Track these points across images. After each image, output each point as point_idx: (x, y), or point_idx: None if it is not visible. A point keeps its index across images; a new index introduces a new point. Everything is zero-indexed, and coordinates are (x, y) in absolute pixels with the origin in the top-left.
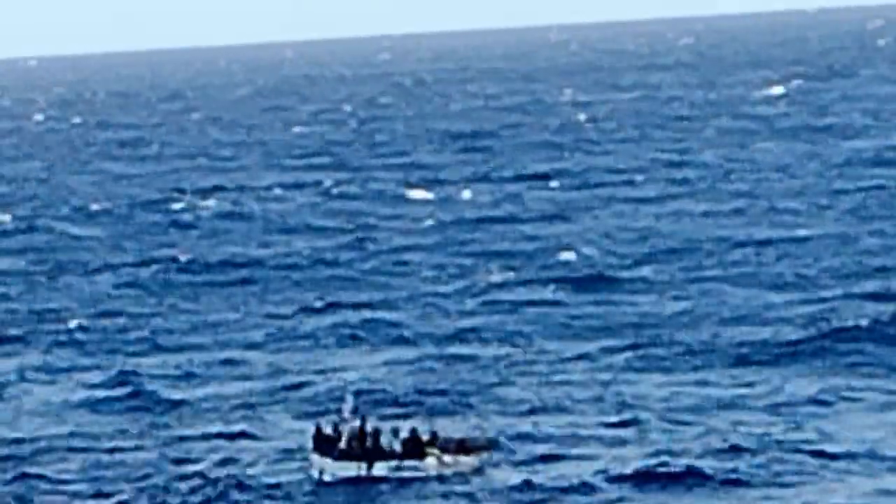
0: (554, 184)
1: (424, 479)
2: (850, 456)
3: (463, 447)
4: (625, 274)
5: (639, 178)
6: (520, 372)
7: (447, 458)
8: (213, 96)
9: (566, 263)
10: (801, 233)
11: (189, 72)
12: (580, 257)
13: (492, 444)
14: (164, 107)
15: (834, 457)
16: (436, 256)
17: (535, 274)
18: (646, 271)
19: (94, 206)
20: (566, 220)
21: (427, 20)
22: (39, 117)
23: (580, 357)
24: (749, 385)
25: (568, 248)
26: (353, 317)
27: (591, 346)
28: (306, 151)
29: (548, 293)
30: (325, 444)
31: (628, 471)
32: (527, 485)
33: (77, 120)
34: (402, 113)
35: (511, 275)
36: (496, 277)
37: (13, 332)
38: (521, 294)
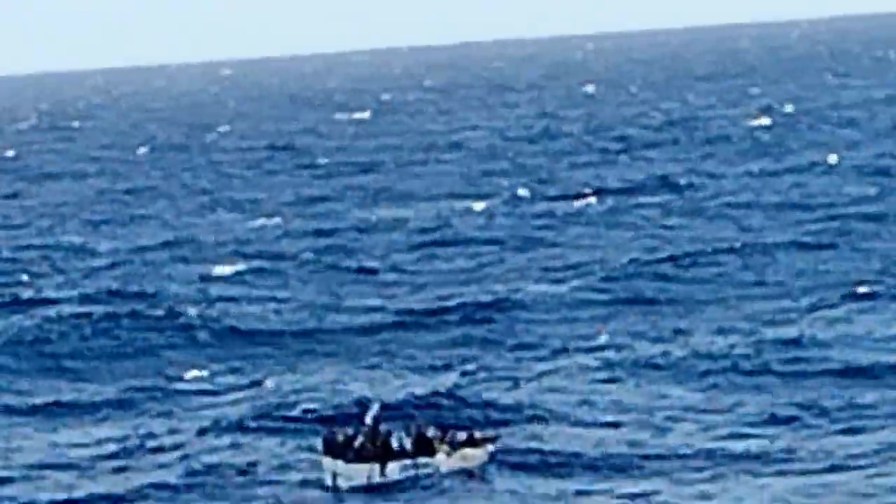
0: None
1: (437, 477)
2: None
3: (471, 441)
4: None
5: None
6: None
7: (457, 453)
8: None
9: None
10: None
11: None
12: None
13: (499, 436)
14: None
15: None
16: None
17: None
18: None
19: None
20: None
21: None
22: None
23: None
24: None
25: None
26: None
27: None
28: None
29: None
30: (337, 448)
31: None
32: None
33: None
34: None
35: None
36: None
37: None
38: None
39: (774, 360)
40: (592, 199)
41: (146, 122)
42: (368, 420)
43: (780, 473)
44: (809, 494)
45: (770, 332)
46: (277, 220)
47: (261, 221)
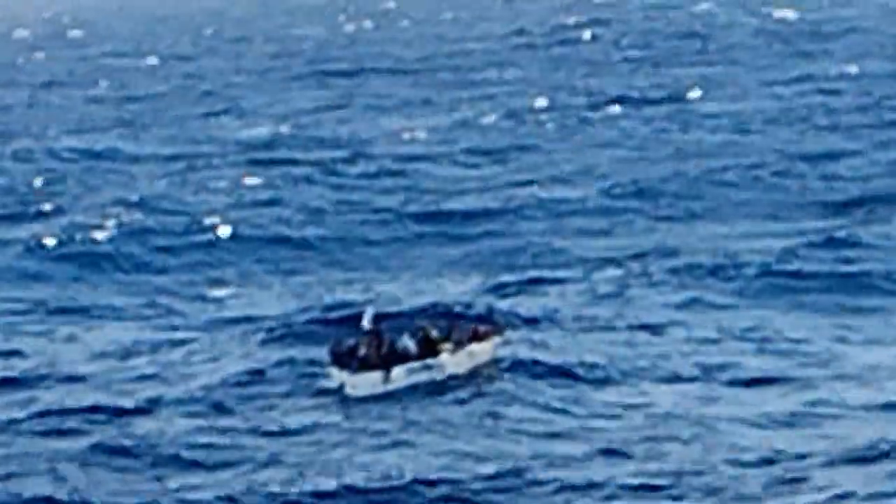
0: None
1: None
2: None
3: (475, 335)
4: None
5: None
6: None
7: (461, 350)
8: None
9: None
10: None
11: None
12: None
13: (504, 328)
14: None
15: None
16: None
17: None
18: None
19: None
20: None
21: None
22: None
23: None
24: None
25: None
26: None
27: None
28: None
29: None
30: (343, 357)
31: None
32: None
33: None
34: None
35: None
36: None
37: None
38: None
39: (796, 267)
40: (616, 108)
41: (154, 29)
42: (366, 325)
43: (788, 388)
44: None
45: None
46: (287, 127)
47: (270, 128)
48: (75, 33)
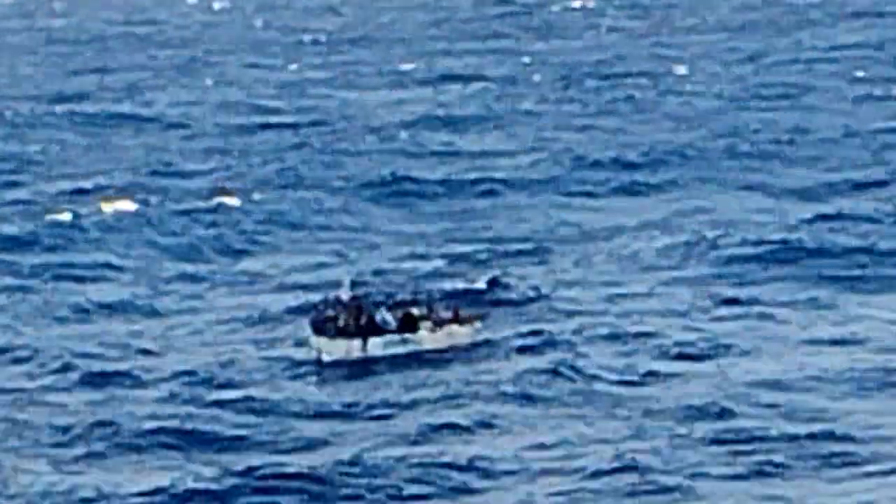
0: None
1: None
2: None
3: (456, 318)
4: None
5: None
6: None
7: (440, 330)
8: None
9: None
10: None
11: None
12: None
13: (483, 316)
14: None
15: None
16: None
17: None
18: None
19: None
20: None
21: None
22: None
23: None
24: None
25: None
26: None
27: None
28: None
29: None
30: (322, 325)
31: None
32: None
33: None
34: None
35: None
36: None
37: None
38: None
39: None
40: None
41: None
42: (343, 296)
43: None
44: None
45: None
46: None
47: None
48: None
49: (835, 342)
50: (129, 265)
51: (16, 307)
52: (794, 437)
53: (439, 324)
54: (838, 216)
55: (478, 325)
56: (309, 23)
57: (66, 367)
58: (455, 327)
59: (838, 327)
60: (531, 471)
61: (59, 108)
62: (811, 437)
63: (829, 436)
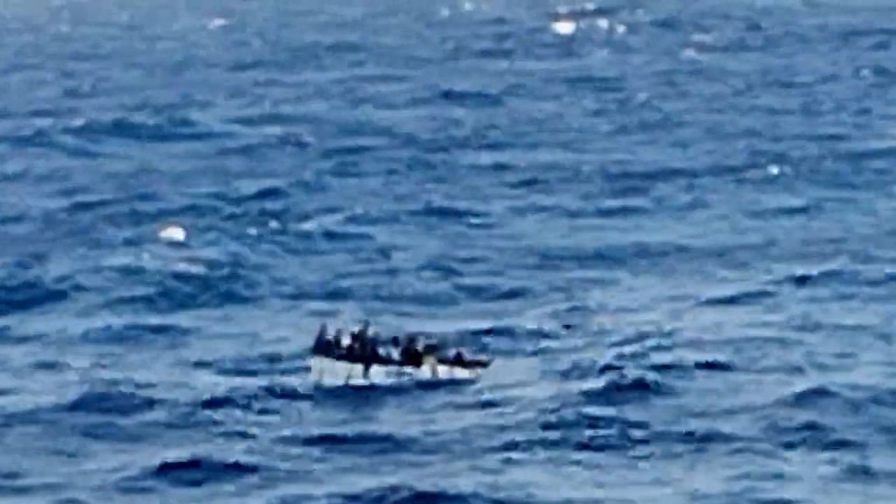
0: None
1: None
2: None
3: (459, 360)
4: None
5: None
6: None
7: (442, 367)
8: None
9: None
10: None
11: None
12: None
13: (489, 362)
14: None
15: None
16: None
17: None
18: None
19: None
20: None
21: None
22: None
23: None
24: None
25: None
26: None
27: None
28: None
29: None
30: (325, 346)
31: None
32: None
33: None
34: None
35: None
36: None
37: None
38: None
39: None
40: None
41: None
42: (348, 317)
43: None
44: None
45: None
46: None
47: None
48: None
49: None
50: None
51: None
52: None
53: (442, 362)
54: None
55: (480, 371)
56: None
57: None
58: (458, 369)
59: None
60: None
61: None
62: None
63: None
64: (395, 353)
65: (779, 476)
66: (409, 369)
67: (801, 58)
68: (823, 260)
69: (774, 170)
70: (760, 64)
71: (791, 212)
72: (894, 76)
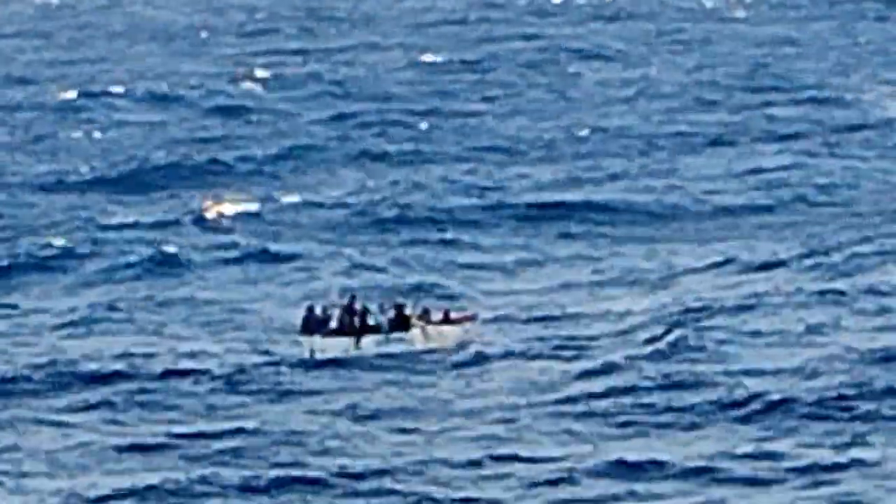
0: None
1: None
2: None
3: (447, 318)
4: None
5: None
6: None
7: (431, 328)
8: None
9: None
10: None
11: None
12: None
13: (475, 316)
14: None
15: None
16: None
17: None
18: None
19: None
20: None
21: None
22: None
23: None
24: None
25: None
26: None
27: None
28: None
29: None
30: (314, 324)
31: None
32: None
33: None
34: None
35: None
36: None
37: None
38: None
39: None
40: None
41: None
42: (335, 295)
43: None
44: None
45: None
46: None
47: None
48: None
49: None
50: None
51: None
52: None
53: (431, 323)
54: None
55: (468, 326)
56: None
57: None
58: (446, 328)
59: None
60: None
61: None
62: None
63: None
64: (385, 321)
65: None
66: (398, 335)
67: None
68: None
69: None
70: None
71: None
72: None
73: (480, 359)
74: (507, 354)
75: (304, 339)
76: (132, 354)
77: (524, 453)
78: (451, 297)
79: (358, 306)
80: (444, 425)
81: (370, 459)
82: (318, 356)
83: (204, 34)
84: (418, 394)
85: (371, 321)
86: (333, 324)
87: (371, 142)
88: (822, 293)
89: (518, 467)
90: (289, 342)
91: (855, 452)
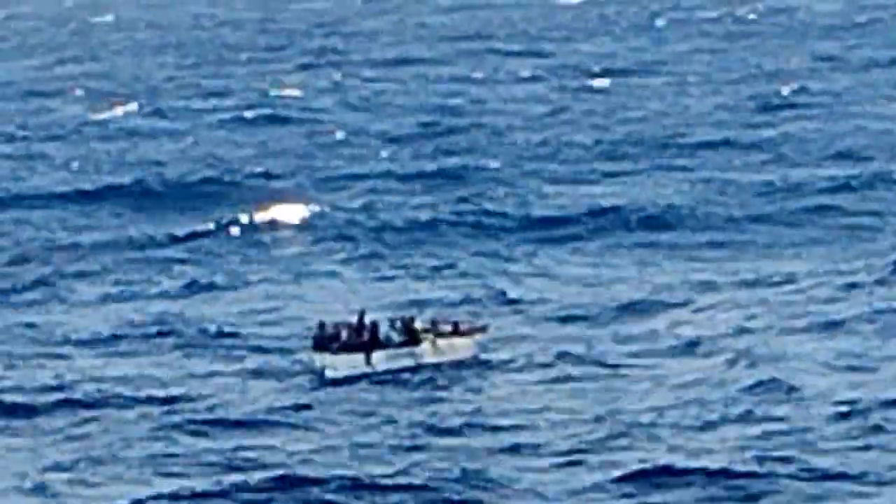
0: None
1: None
2: None
3: (457, 331)
4: None
5: None
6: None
7: (441, 342)
8: None
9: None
10: None
11: None
12: None
13: (485, 328)
14: None
15: None
16: None
17: None
18: None
19: None
20: None
21: None
22: None
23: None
24: None
25: None
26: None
27: None
28: None
29: None
30: (325, 341)
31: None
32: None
33: None
34: None
35: None
36: None
37: None
38: None
39: None
40: None
41: None
42: (346, 311)
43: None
44: None
45: None
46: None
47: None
48: None
49: None
50: None
51: None
52: None
53: (441, 336)
54: None
55: (478, 338)
56: None
57: None
58: (456, 341)
59: None
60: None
61: None
62: None
63: None
64: (395, 336)
65: None
66: (408, 349)
67: None
68: None
69: None
70: None
71: None
72: None
73: (491, 369)
74: (518, 365)
75: (316, 356)
76: (145, 377)
77: (539, 464)
78: (459, 308)
79: (367, 321)
80: (461, 439)
81: (385, 467)
82: (329, 374)
83: (230, 50)
84: (430, 408)
85: (381, 336)
86: (343, 339)
87: (392, 156)
88: None
89: (530, 478)
90: (302, 358)
91: None
